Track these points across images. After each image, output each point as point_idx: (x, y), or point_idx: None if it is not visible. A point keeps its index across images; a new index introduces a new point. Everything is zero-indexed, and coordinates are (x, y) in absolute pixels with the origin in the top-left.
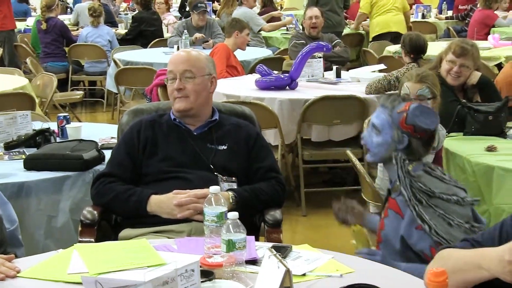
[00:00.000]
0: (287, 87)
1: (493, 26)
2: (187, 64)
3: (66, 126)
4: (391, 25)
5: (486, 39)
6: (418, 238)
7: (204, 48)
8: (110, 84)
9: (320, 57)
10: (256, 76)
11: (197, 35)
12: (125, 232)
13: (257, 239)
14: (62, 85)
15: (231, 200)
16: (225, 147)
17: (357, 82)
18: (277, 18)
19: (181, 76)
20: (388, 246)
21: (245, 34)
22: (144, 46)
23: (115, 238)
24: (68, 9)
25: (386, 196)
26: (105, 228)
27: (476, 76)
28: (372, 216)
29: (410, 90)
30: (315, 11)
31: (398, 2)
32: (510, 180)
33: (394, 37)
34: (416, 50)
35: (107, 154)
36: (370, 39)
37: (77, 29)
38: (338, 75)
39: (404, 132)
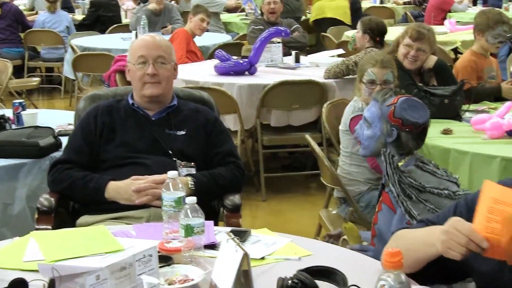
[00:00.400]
0: (246, 72)
1: (449, 11)
2: (160, 49)
3: (22, 112)
4: (326, 10)
5: (442, 24)
6: None
7: (163, 34)
8: (67, 71)
9: (279, 42)
10: (215, 61)
11: None
12: (83, 219)
13: (216, 224)
14: (18, 72)
15: (189, 185)
16: (184, 132)
17: (316, 67)
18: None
19: (154, 62)
20: (382, 240)
21: (198, 19)
22: (102, 32)
23: (72, 225)
24: None
25: (380, 190)
26: (62, 215)
27: (432, 60)
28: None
29: (376, 75)
30: None
31: None
32: (465, 162)
33: (332, 23)
34: (382, 33)
35: (64, 140)
36: (311, 24)
37: (34, 15)
38: (297, 60)
39: (393, 125)
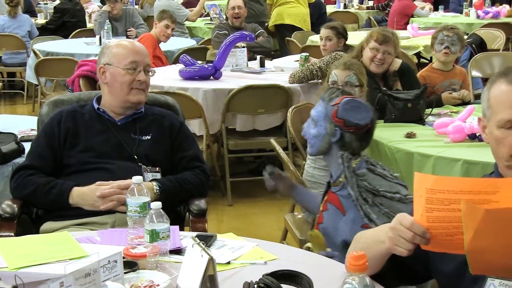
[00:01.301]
0: (211, 77)
1: (412, 16)
2: (148, 58)
3: None
4: (284, 17)
5: (405, 28)
6: None
7: (128, 37)
8: (30, 76)
9: (244, 47)
10: (180, 66)
11: None
12: (47, 225)
13: (182, 229)
14: None
15: (154, 190)
16: (149, 137)
17: (281, 71)
18: (195, 4)
19: (145, 69)
20: (327, 240)
21: (163, 25)
22: (66, 37)
23: (36, 231)
24: None
25: (326, 189)
26: (25, 222)
27: (397, 63)
28: (301, 188)
29: (337, 77)
30: (238, 1)
31: None
32: (429, 165)
33: (292, 29)
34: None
35: (27, 146)
36: (271, 29)
37: None
38: (262, 64)
39: (336, 125)
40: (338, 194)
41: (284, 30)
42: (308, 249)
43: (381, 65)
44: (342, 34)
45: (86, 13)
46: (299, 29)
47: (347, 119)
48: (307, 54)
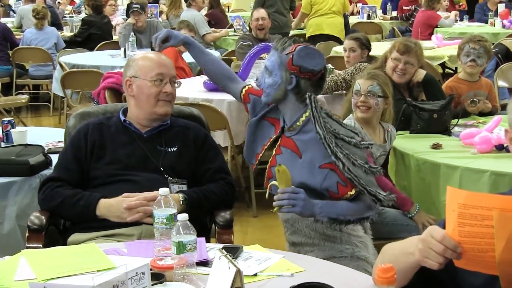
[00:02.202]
0: None
1: (436, 26)
2: (173, 69)
3: (11, 130)
4: (324, 27)
5: (430, 39)
6: (322, 177)
7: (153, 49)
8: (56, 88)
9: None
10: (204, 77)
11: None
12: (74, 237)
13: (208, 241)
14: (7, 90)
15: (181, 202)
16: (175, 149)
17: None
18: (222, 20)
19: (171, 81)
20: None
21: None
22: (91, 49)
23: (63, 243)
24: (11, 12)
25: (280, 134)
26: (53, 233)
27: (421, 73)
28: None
29: (361, 86)
30: (261, 12)
31: (336, 6)
32: (455, 176)
33: (327, 39)
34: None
35: (54, 158)
36: (307, 39)
37: (22, 33)
38: None
39: (291, 73)
40: (294, 138)
41: (320, 41)
42: (273, 187)
43: (403, 75)
44: (365, 45)
45: (113, 26)
46: (337, 38)
47: (303, 66)
48: (332, 66)
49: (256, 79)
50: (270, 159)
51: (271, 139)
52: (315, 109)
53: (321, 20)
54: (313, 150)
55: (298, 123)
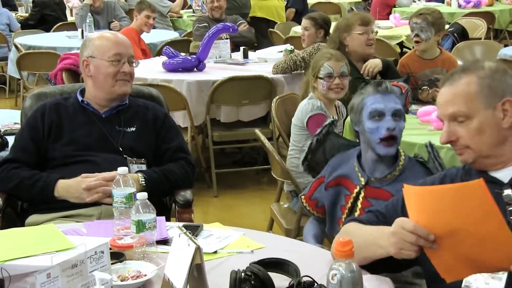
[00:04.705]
0: (195, 69)
1: (394, 6)
2: (131, 49)
3: None
4: (256, 9)
5: (388, 18)
6: None
7: (111, 30)
8: (12, 70)
9: (227, 38)
10: (163, 58)
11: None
12: (32, 218)
13: (168, 220)
14: None
15: (140, 182)
16: (134, 129)
17: (264, 62)
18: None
19: (129, 60)
20: None
21: (144, 16)
22: (47, 31)
23: (21, 225)
24: None
25: (359, 190)
26: (10, 215)
27: (378, 64)
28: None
29: (333, 68)
30: None
31: None
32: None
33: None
34: (329, 25)
35: (11, 140)
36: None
37: None
38: (245, 55)
39: None
40: (386, 188)
41: (258, 23)
42: None
43: (372, 45)
44: (320, 25)
45: (66, 7)
46: (273, 22)
47: None
48: (292, 47)
49: (389, 128)
50: (357, 213)
51: (351, 198)
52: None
53: (255, 2)
54: None
55: (395, 173)
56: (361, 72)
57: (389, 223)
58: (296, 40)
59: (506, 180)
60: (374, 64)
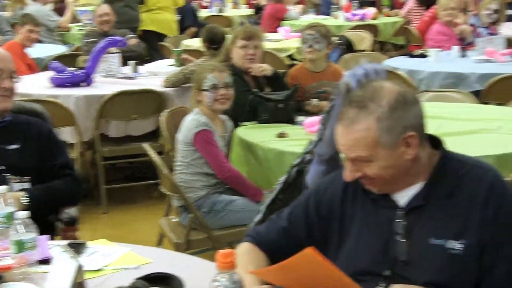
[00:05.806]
0: (83, 83)
1: (283, 19)
2: (12, 64)
3: None
4: (148, 23)
5: (276, 31)
6: None
7: None
8: None
9: (117, 52)
10: (50, 73)
11: None
12: None
13: (53, 239)
14: None
15: (21, 200)
16: (17, 146)
17: (154, 76)
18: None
19: (9, 76)
20: None
21: (26, 30)
22: None
23: None
24: None
25: None
26: None
27: (267, 69)
28: None
29: (218, 79)
30: (104, 8)
31: (163, 2)
32: None
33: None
34: (220, 41)
35: None
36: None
37: None
38: (135, 69)
39: None
40: None
41: (150, 36)
42: None
43: (253, 60)
44: (206, 39)
45: None
46: (165, 35)
47: None
48: (181, 49)
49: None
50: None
51: None
52: None
53: (146, 15)
54: None
55: None
56: (249, 70)
57: (294, 239)
58: (189, 54)
59: (401, 202)
60: (264, 67)
